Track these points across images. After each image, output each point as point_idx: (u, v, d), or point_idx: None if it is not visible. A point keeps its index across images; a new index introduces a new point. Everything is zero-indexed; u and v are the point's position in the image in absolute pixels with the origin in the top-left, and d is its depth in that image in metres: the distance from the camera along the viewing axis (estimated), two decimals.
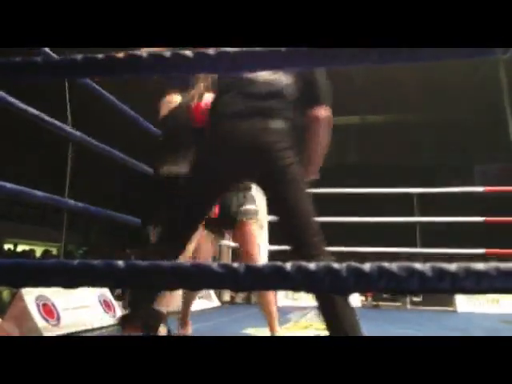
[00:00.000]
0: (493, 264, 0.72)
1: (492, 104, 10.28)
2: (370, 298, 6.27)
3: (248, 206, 2.74)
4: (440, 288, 0.75)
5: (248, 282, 0.78)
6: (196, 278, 0.78)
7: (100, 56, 0.83)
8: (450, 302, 5.50)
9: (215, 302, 5.08)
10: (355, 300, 5.92)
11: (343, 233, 7.04)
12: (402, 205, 6.01)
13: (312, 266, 0.78)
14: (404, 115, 12.49)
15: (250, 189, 2.83)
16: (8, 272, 0.84)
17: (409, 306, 5.80)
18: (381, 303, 6.08)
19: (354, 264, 0.77)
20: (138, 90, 9.27)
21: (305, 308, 5.01)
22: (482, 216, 5.46)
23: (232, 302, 6.04)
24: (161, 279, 0.78)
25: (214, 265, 0.79)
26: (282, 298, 5.83)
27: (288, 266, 0.78)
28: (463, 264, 0.73)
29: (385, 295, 6.03)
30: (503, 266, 0.72)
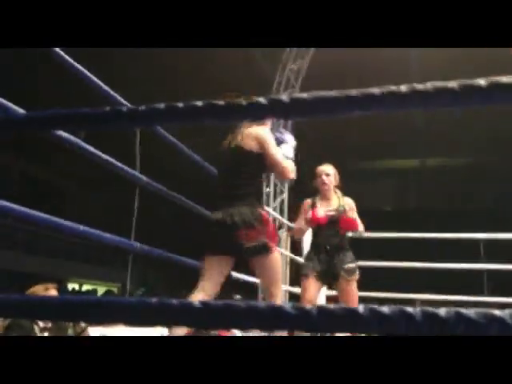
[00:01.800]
0: None
1: None
2: None
3: (350, 265, 3.21)
4: None
5: (322, 324, 0.78)
6: (269, 319, 0.79)
7: (181, 105, 0.89)
8: None
9: None
10: None
11: (407, 278, 6.85)
12: (467, 251, 5.80)
13: (385, 309, 0.78)
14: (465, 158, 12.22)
15: (349, 249, 3.29)
16: (90, 308, 0.88)
17: None
18: None
19: (429, 309, 0.76)
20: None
21: None
22: None
23: None
24: (235, 319, 0.79)
25: (287, 306, 0.80)
26: None
27: (361, 308, 0.79)
28: None
29: None
30: None
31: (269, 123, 2.70)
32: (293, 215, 7.66)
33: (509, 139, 10.78)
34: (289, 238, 6.24)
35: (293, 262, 6.09)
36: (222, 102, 0.89)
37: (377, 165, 13.16)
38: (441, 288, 4.98)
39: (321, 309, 0.79)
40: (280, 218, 6.54)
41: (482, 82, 0.84)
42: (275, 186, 7.23)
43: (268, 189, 7.20)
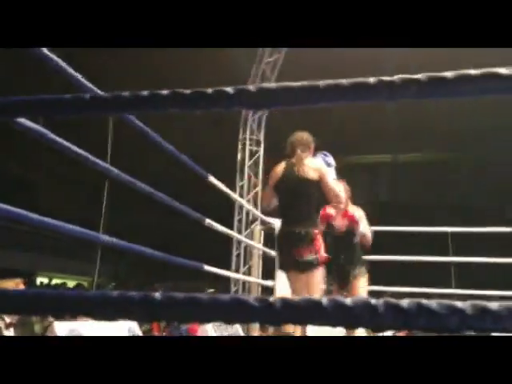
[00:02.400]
0: None
1: None
2: None
3: (362, 267, 3.63)
4: (481, 327, 0.73)
5: (285, 316, 0.77)
6: (233, 312, 0.78)
7: (145, 93, 0.87)
8: None
9: None
10: None
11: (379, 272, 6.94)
12: (436, 244, 5.90)
13: (349, 301, 0.77)
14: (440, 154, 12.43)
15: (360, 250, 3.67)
16: (47, 302, 0.86)
17: None
18: None
19: (391, 300, 0.76)
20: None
21: None
22: None
23: None
24: (198, 311, 0.78)
25: (251, 298, 0.80)
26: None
27: (325, 301, 0.78)
28: (505, 303, 0.71)
29: None
30: None
31: (312, 150, 3.17)
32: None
33: (479, 135, 11.00)
34: (262, 232, 6.25)
35: (265, 256, 6.11)
36: (187, 91, 0.88)
37: (350, 160, 13.28)
38: (410, 281, 5.05)
39: (284, 301, 0.78)
40: (254, 210, 6.54)
41: (448, 74, 0.85)
42: (249, 178, 7.22)
43: (242, 182, 7.18)
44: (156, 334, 5.66)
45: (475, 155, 11.93)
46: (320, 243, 2.99)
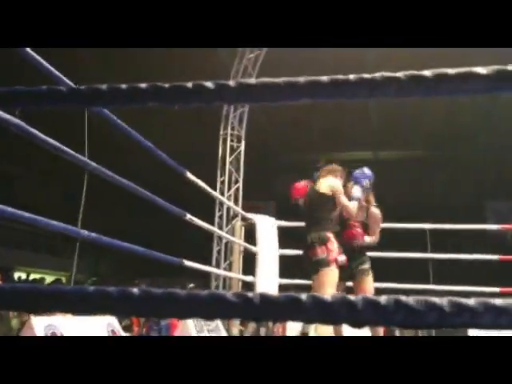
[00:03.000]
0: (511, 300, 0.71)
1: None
2: None
3: (365, 266, 3.81)
4: (458, 323, 0.74)
5: (263, 312, 0.77)
6: (210, 307, 0.78)
7: (124, 86, 0.86)
8: None
9: (223, 335, 5.01)
10: None
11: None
12: (416, 241, 5.97)
13: (328, 297, 0.77)
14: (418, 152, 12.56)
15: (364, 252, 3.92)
16: (24, 297, 0.84)
17: None
18: None
19: (370, 297, 0.77)
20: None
21: None
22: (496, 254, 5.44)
23: (241, 335, 5.96)
24: (175, 307, 0.77)
25: (229, 294, 0.79)
26: (293, 333, 5.74)
27: (303, 297, 0.78)
28: (482, 299, 0.72)
29: None
30: None
31: (341, 176, 3.71)
32: (246, 204, 7.68)
33: (460, 134, 11.15)
34: (243, 228, 6.24)
35: (246, 251, 6.11)
36: (166, 85, 0.87)
37: (333, 157, 13.37)
38: (389, 276, 5.10)
39: (263, 296, 0.78)
40: (234, 207, 6.53)
41: (428, 72, 0.85)
42: (230, 174, 7.20)
43: (223, 177, 7.16)
44: (136, 328, 5.63)
45: (455, 154, 12.09)
46: (333, 245, 3.42)
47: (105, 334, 3.19)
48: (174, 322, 4.43)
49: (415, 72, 0.84)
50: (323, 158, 4.01)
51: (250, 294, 0.79)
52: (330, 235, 3.45)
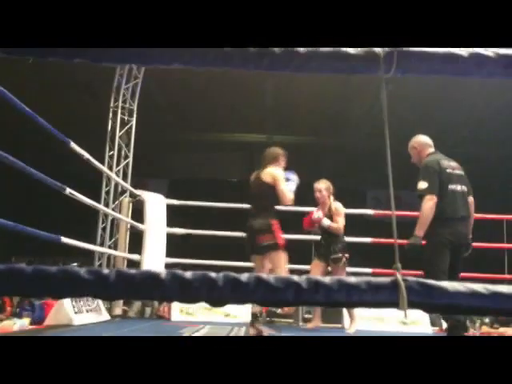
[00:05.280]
0: (364, 278, 0.73)
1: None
2: (264, 314, 6.33)
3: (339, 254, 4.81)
4: (315, 300, 0.75)
5: (118, 289, 0.73)
6: (60, 284, 0.71)
7: None
8: (339, 320, 5.71)
9: (105, 316, 4.85)
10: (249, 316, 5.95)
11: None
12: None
13: (188, 274, 0.75)
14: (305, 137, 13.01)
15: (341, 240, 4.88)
16: None
17: (300, 323, 5.93)
18: (274, 319, 6.18)
19: (231, 274, 0.75)
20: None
21: (199, 324, 4.94)
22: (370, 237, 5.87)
23: (124, 315, 5.82)
24: (19, 284, 0.70)
25: (83, 271, 0.73)
26: (177, 314, 5.72)
27: (163, 274, 0.75)
28: (336, 277, 0.74)
29: (279, 311, 6.13)
30: (374, 280, 0.73)
31: (282, 164, 4.05)
32: (135, 180, 7.46)
33: (351, 121, 11.71)
34: (130, 205, 6.06)
35: (133, 229, 5.94)
36: None
37: (228, 137, 13.38)
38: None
39: (119, 273, 0.74)
40: (123, 183, 6.31)
41: (301, 49, 0.85)
42: (119, 149, 6.93)
43: (112, 152, 6.88)
44: (8, 308, 5.27)
45: (346, 140, 12.67)
46: (278, 231, 3.81)
47: None
48: (49, 302, 4.20)
49: (290, 48, 0.83)
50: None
51: (105, 271, 0.74)
52: (275, 222, 3.83)
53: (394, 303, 0.73)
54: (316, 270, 4.85)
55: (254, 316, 4.05)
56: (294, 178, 4.06)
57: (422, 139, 3.53)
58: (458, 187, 3.35)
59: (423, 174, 3.30)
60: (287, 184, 3.92)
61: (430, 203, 3.20)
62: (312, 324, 5.19)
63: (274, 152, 4.08)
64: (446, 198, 3.25)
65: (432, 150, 3.47)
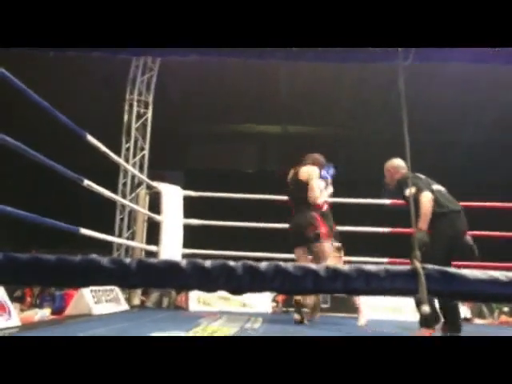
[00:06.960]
0: (382, 266, 0.73)
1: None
2: (280, 304, 6.36)
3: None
4: (333, 288, 0.75)
5: (140, 277, 0.74)
6: (83, 273, 0.73)
7: None
8: (355, 309, 5.71)
9: (124, 306, 4.92)
10: (266, 306, 5.98)
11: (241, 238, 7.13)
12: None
13: (207, 263, 0.76)
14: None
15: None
16: None
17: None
18: (290, 309, 6.20)
19: (249, 263, 0.76)
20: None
21: (216, 313, 4.98)
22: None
23: (142, 305, 5.89)
24: (42, 273, 0.72)
25: (105, 260, 0.75)
26: (194, 304, 5.77)
27: (183, 263, 0.76)
28: (355, 265, 0.74)
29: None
30: (392, 268, 0.74)
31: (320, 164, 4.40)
32: (152, 172, 7.50)
33: (368, 111, 11.62)
34: (147, 196, 6.11)
35: (150, 220, 5.99)
36: None
37: (242, 129, 13.37)
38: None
39: (140, 262, 0.75)
40: (139, 175, 6.36)
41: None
42: (135, 141, 6.98)
43: (128, 144, 6.93)
44: (28, 299, 5.37)
45: (363, 131, 12.59)
46: (321, 223, 4.11)
47: None
48: (70, 292, 4.27)
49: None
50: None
51: (127, 260, 0.75)
52: (317, 214, 4.14)
53: (412, 290, 0.73)
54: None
55: (297, 303, 4.26)
56: (327, 176, 4.47)
57: (396, 163, 3.71)
58: (440, 187, 3.53)
59: (405, 184, 3.41)
60: (319, 182, 4.26)
61: (427, 197, 3.29)
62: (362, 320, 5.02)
63: (315, 157, 4.46)
64: (434, 195, 3.37)
65: (404, 171, 3.60)
